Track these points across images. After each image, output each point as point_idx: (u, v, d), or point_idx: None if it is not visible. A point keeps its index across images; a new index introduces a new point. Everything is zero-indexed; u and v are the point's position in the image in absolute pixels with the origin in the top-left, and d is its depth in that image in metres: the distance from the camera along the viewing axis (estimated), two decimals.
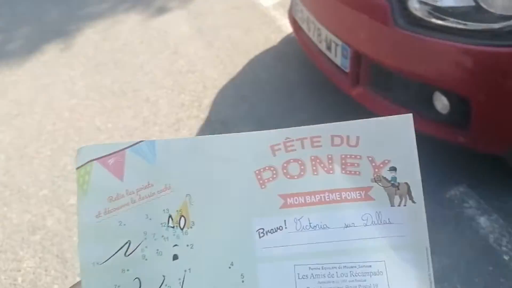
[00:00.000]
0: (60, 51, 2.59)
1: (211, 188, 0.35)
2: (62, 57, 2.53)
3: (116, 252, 0.34)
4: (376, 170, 0.35)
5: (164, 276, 0.34)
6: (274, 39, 2.41)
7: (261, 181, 0.36)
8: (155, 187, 0.35)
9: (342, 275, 0.34)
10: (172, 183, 0.35)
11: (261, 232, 0.35)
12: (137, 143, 0.35)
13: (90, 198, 0.34)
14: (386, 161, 0.35)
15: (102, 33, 2.72)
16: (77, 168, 0.35)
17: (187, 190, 0.35)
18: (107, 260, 0.34)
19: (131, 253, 0.34)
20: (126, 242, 0.34)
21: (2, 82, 2.36)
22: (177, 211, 0.35)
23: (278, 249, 0.34)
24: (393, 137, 0.35)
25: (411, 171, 0.35)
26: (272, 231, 0.35)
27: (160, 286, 0.34)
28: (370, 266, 0.34)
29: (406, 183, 0.35)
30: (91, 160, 0.35)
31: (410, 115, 0.35)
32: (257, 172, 0.36)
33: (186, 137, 0.36)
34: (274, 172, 0.36)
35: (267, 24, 2.57)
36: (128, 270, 0.34)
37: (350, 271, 0.34)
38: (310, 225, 0.35)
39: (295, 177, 0.36)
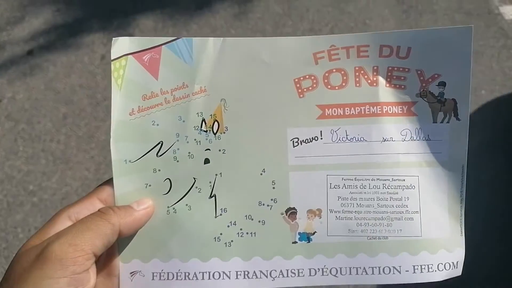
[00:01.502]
0: None
1: (247, 94, 0.34)
2: None
3: (148, 152, 0.34)
4: (424, 84, 0.33)
5: (195, 178, 0.34)
6: None
7: (299, 90, 0.34)
8: (190, 88, 0.34)
9: (374, 187, 0.34)
10: (208, 85, 0.34)
11: (296, 142, 0.34)
12: (174, 39, 0.33)
13: (124, 94, 0.33)
14: (436, 76, 0.33)
15: None
16: (112, 60, 0.33)
17: (222, 94, 0.34)
18: (139, 158, 0.34)
19: (163, 154, 0.34)
20: (159, 143, 0.34)
21: None
22: (211, 115, 0.34)
23: (312, 158, 0.34)
24: (448, 50, 0.33)
25: (461, 88, 0.33)
26: (307, 141, 0.34)
27: (191, 188, 0.34)
28: (404, 180, 0.34)
29: (453, 99, 0.33)
30: (126, 54, 0.33)
31: (471, 27, 0.32)
32: (296, 80, 0.34)
33: (226, 37, 0.33)
34: (315, 81, 0.34)
35: None
36: (159, 170, 0.34)
37: (383, 184, 0.34)
38: (347, 137, 0.34)
39: (336, 87, 0.34)
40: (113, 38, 0.32)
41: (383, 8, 1.63)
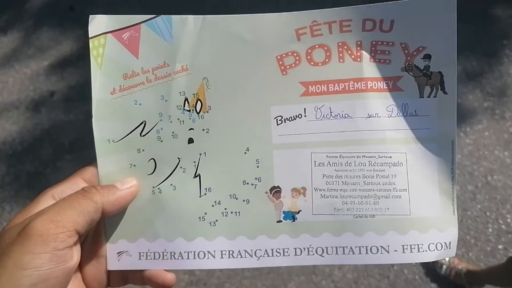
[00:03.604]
0: None
1: (229, 72, 0.34)
2: None
3: (131, 131, 0.34)
4: (409, 58, 0.33)
5: (179, 158, 0.34)
6: None
7: (282, 67, 0.34)
8: (171, 67, 0.34)
9: (360, 164, 0.33)
10: (189, 64, 0.34)
11: (279, 120, 0.34)
12: (153, 17, 0.33)
13: (104, 73, 0.33)
14: (421, 48, 0.32)
15: None
16: (91, 38, 0.33)
17: (204, 73, 0.34)
18: (123, 138, 0.34)
19: (146, 134, 0.34)
20: (142, 122, 0.34)
21: None
22: (193, 94, 0.34)
23: (296, 136, 0.33)
24: (432, 21, 0.32)
25: (447, 60, 0.32)
26: (290, 119, 0.34)
27: (175, 168, 0.34)
28: (391, 157, 0.33)
29: (440, 73, 0.32)
30: (105, 33, 0.33)
31: None
32: (279, 57, 0.33)
33: (206, 15, 0.33)
34: (297, 58, 0.33)
35: None
36: (143, 150, 0.34)
37: (369, 161, 0.33)
38: (331, 114, 0.33)
39: (319, 64, 0.33)
40: (90, 16, 0.32)
41: None
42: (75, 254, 0.30)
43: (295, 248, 0.33)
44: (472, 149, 1.33)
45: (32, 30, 1.71)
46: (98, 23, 0.33)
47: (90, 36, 0.33)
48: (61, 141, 1.43)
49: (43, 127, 1.45)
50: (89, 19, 0.32)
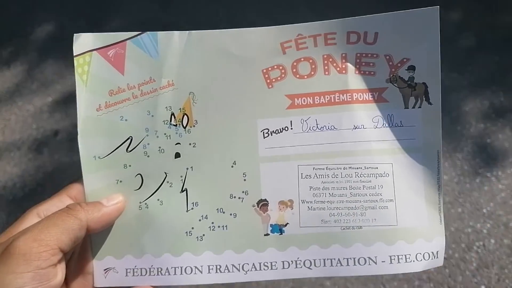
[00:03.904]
0: None
1: (215, 86, 0.34)
2: None
3: (117, 147, 0.34)
4: (393, 70, 0.33)
5: (166, 173, 0.34)
6: None
7: (268, 80, 0.34)
8: (157, 82, 0.34)
9: (346, 175, 0.33)
10: (175, 79, 0.34)
11: (266, 133, 0.34)
12: (138, 34, 0.33)
13: (90, 89, 0.33)
14: (405, 60, 0.33)
15: None
16: (75, 56, 0.33)
17: (190, 88, 0.34)
18: (109, 154, 0.34)
19: (133, 149, 0.34)
20: (128, 138, 0.34)
21: None
22: (180, 109, 0.34)
23: (282, 149, 0.33)
24: (416, 33, 0.32)
25: (431, 71, 0.32)
26: (277, 132, 0.34)
27: (162, 183, 0.34)
28: (377, 167, 0.33)
29: (424, 83, 0.32)
30: (90, 50, 0.33)
31: (437, 7, 0.31)
32: (264, 71, 0.34)
33: (191, 31, 0.33)
34: (283, 71, 0.34)
35: None
36: (130, 165, 0.34)
37: (355, 172, 0.33)
38: (317, 126, 0.33)
39: (305, 76, 0.34)
40: (75, 34, 0.32)
41: None
42: (59, 272, 0.29)
43: (283, 261, 0.33)
44: (506, 196, 1.16)
45: (36, 63, 1.62)
46: (83, 41, 0.33)
47: (74, 54, 0.33)
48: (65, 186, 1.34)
49: (45, 170, 1.37)
50: (74, 37, 0.32)
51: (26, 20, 1.70)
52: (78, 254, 0.34)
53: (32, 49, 1.65)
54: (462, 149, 1.26)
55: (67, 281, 0.33)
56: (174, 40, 0.33)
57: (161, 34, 0.33)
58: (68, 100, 1.51)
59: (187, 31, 0.33)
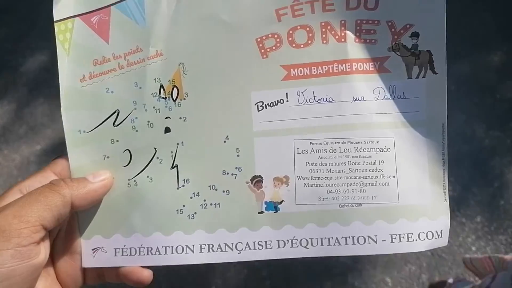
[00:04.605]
0: None
1: (206, 57, 0.32)
2: None
3: (104, 121, 0.32)
4: (395, 37, 0.31)
5: (155, 148, 0.32)
6: None
7: (262, 50, 0.32)
8: (145, 52, 0.32)
9: (345, 150, 0.31)
10: (164, 49, 0.32)
11: (260, 106, 0.32)
12: None
13: (72, 59, 0.31)
14: (408, 26, 0.30)
15: None
16: (56, 21, 0.31)
17: (180, 58, 0.32)
18: (94, 128, 0.32)
19: (120, 123, 0.32)
20: (115, 111, 0.32)
21: None
22: (169, 80, 0.32)
23: (277, 123, 0.32)
24: None
25: (436, 37, 0.30)
26: (272, 105, 0.32)
27: (151, 159, 0.32)
28: (378, 142, 0.31)
29: (429, 51, 0.30)
30: (72, 16, 0.31)
31: None
32: (258, 39, 0.32)
33: None
34: (278, 40, 0.32)
35: None
36: (117, 141, 0.32)
37: (354, 147, 0.31)
38: (314, 98, 0.31)
39: (302, 46, 0.32)
40: None
41: None
42: (42, 251, 0.28)
43: (278, 240, 0.32)
44: None
45: (26, 102, 1.41)
46: (64, 5, 0.31)
47: (55, 19, 0.31)
48: None
49: None
50: (54, 1, 0.30)
51: (18, 48, 1.48)
52: (65, 233, 0.32)
53: (22, 83, 1.44)
54: None
55: (53, 261, 0.32)
56: (162, 6, 0.31)
57: None
58: (58, 149, 1.30)
59: None
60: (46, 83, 1.43)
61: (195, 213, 0.32)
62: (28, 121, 1.39)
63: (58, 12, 0.31)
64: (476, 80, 1.26)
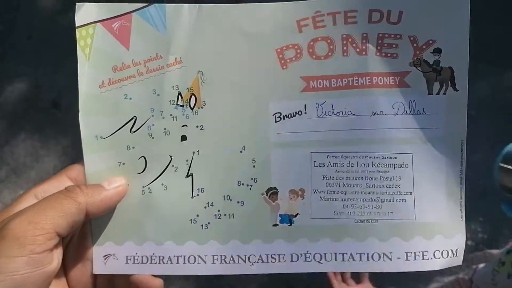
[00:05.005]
0: None
1: (226, 65, 0.32)
2: None
3: (121, 127, 0.32)
4: (417, 52, 0.30)
5: (171, 156, 0.32)
6: None
7: (282, 61, 0.31)
8: (164, 59, 0.32)
9: (362, 165, 0.31)
10: (183, 56, 0.32)
11: (278, 117, 0.32)
12: (145, 6, 0.31)
13: (92, 64, 0.31)
14: (431, 42, 0.30)
15: None
16: (78, 27, 0.31)
17: (199, 66, 0.32)
18: (111, 134, 0.32)
19: (137, 130, 0.32)
20: (132, 118, 0.32)
21: None
22: (187, 88, 0.32)
23: (295, 135, 0.31)
24: (444, 13, 0.30)
25: (458, 54, 0.30)
26: (290, 116, 0.31)
27: (167, 166, 0.32)
28: (395, 157, 0.31)
29: (450, 68, 0.30)
30: (94, 22, 0.31)
31: None
32: (279, 50, 0.31)
33: (201, 4, 0.31)
34: (299, 51, 0.31)
35: None
36: (133, 147, 0.32)
37: (372, 162, 0.31)
38: (333, 111, 0.31)
39: (322, 57, 0.31)
40: (77, 3, 0.30)
41: None
42: (55, 258, 0.28)
43: (292, 254, 0.31)
44: None
45: (6, 139, 1.21)
46: (86, 12, 0.31)
47: (77, 25, 0.31)
48: None
49: None
50: (76, 6, 0.30)
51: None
52: (78, 239, 0.32)
53: (1, 116, 1.25)
54: None
55: (65, 267, 0.31)
56: (183, 14, 0.31)
57: (169, 6, 0.31)
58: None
59: (197, 5, 0.31)
60: (28, 115, 1.23)
61: (209, 223, 0.32)
62: (9, 162, 1.22)
63: (80, 18, 0.31)
64: None
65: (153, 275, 0.32)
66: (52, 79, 1.26)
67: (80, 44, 0.31)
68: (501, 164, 0.62)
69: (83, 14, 0.31)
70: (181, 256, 0.32)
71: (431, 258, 0.31)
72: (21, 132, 1.24)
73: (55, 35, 1.29)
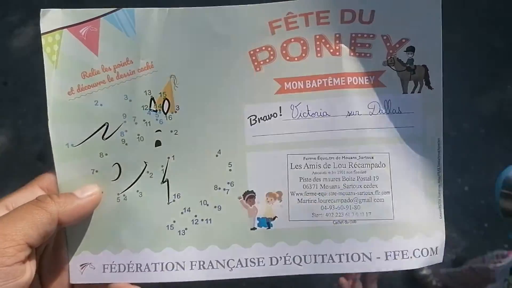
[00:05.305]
0: None
1: (198, 69, 0.31)
2: None
3: (92, 134, 0.31)
4: (391, 51, 0.30)
5: (145, 162, 0.31)
6: None
7: (256, 63, 0.31)
8: (135, 64, 0.31)
9: (339, 166, 0.31)
10: (155, 60, 0.31)
11: (253, 119, 0.31)
12: (113, 11, 0.30)
13: (60, 71, 0.30)
14: (404, 40, 0.30)
15: None
16: (43, 34, 0.30)
17: (171, 70, 0.31)
18: (83, 142, 0.31)
19: (109, 137, 0.31)
20: (104, 124, 0.31)
21: None
22: (160, 93, 0.31)
23: (271, 137, 0.31)
24: (415, 11, 0.29)
25: (431, 52, 0.30)
26: (265, 118, 0.31)
27: (141, 173, 0.31)
28: (372, 157, 0.31)
29: (424, 66, 0.30)
30: (60, 28, 0.30)
31: None
32: (251, 52, 0.31)
33: (172, 7, 0.30)
34: (272, 53, 0.31)
35: None
36: (106, 154, 0.31)
37: (349, 162, 0.31)
38: (308, 113, 0.31)
39: (295, 59, 0.31)
40: (42, 10, 0.29)
41: None
42: (28, 269, 0.27)
43: (271, 257, 0.31)
44: None
45: None
46: (52, 18, 0.30)
47: (42, 32, 0.30)
48: None
49: None
50: (41, 12, 0.30)
51: None
52: (53, 249, 0.31)
53: None
54: None
55: (41, 277, 0.31)
56: (153, 18, 0.31)
57: (138, 10, 0.30)
58: None
59: (167, 8, 0.31)
60: (11, 170, 1.09)
61: (186, 229, 0.31)
62: None
63: (45, 24, 0.30)
64: None
65: (131, 283, 0.31)
66: (35, 129, 1.12)
67: (46, 51, 0.30)
68: (502, 190, 0.63)
69: (49, 20, 0.30)
70: (158, 263, 0.31)
71: (411, 257, 0.31)
72: (6, 190, 1.02)
73: (33, 79, 1.11)
